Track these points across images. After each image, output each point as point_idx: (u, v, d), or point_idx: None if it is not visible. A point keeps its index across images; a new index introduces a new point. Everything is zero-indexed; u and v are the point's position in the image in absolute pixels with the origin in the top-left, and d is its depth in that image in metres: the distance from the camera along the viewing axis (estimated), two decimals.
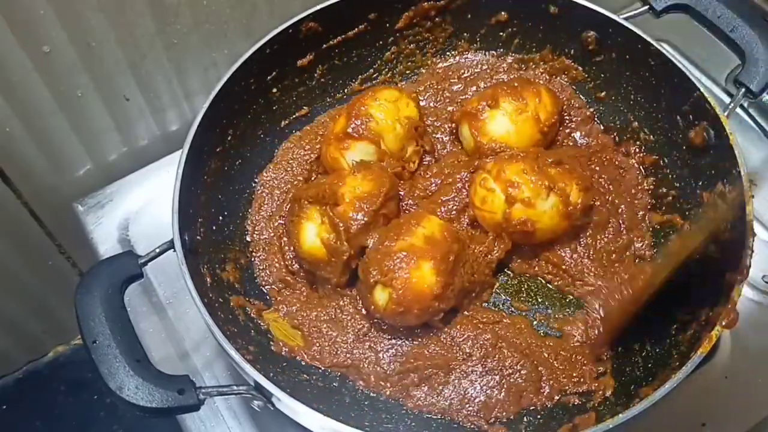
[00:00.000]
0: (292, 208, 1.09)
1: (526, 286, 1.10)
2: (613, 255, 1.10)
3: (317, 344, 1.04)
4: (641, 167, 1.17)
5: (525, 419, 0.98)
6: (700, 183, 1.07)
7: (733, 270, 0.90)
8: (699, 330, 0.91)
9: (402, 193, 1.14)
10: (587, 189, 1.07)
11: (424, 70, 1.31)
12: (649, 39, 1.11)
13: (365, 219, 1.02)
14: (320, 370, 1.02)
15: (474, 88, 1.28)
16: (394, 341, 1.04)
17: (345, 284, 1.07)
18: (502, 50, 1.29)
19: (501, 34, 1.27)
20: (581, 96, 1.25)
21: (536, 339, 1.04)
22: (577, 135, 1.22)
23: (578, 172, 1.08)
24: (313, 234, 1.03)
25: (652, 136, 1.17)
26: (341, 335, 1.05)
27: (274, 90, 1.19)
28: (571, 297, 1.09)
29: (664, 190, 1.14)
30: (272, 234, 1.14)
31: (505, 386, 1.00)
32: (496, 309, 1.08)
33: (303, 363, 1.02)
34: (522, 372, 1.01)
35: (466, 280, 1.02)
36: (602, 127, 1.22)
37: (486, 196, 1.05)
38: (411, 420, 0.99)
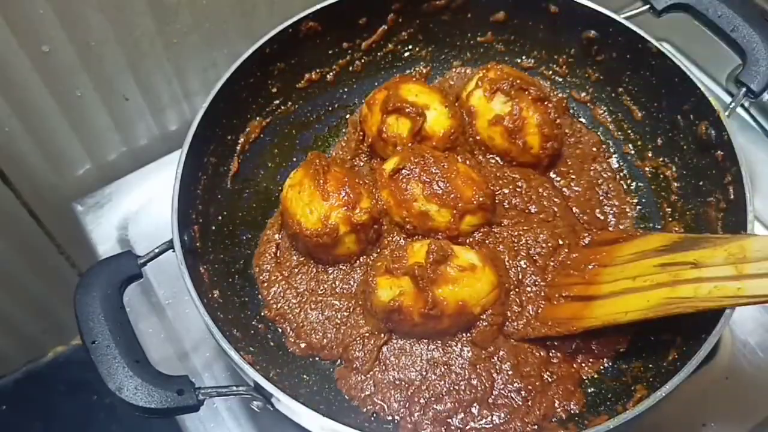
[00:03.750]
0: None
1: None
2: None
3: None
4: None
5: None
6: (701, 183, 1.06)
7: None
8: (699, 331, 0.91)
9: None
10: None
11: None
12: (649, 39, 1.11)
13: None
14: (319, 370, 1.02)
15: None
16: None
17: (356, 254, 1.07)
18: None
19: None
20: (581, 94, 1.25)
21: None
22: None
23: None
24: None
25: (652, 136, 1.17)
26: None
27: (274, 90, 1.19)
28: None
29: (664, 190, 1.14)
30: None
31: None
32: None
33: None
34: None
35: None
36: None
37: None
38: None
